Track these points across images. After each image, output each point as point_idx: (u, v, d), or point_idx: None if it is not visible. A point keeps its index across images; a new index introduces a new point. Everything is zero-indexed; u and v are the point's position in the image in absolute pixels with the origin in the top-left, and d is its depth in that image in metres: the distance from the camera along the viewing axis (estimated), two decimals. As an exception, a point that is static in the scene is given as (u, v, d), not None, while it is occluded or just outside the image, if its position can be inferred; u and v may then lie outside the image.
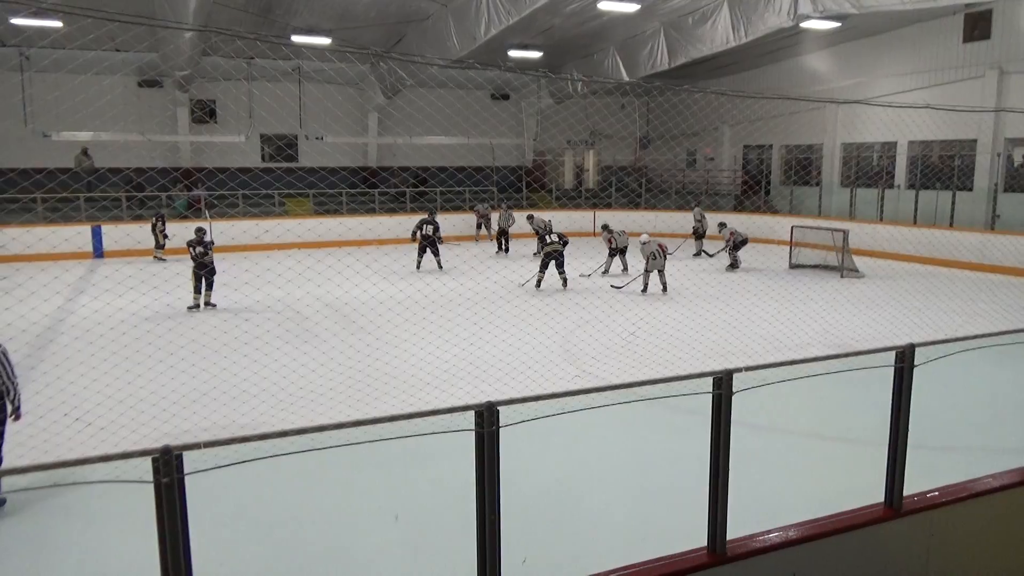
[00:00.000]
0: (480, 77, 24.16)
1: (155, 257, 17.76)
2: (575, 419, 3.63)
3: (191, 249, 12.04)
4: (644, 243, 13.96)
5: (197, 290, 12.02)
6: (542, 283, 14.41)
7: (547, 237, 14.65)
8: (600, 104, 26.53)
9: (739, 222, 21.14)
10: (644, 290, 13.74)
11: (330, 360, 8.94)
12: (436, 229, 16.50)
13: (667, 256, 14.03)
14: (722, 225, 17.41)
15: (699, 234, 19.20)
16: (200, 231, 12.08)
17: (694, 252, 18.77)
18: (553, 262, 14.31)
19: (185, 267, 13.45)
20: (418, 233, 16.32)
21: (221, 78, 21.52)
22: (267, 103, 21.79)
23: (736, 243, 16.71)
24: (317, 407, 7.24)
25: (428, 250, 16.38)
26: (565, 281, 14.42)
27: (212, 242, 12.24)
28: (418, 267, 16.53)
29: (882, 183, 20.55)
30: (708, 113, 24.32)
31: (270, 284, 13.53)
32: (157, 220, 17.81)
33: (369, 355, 9.07)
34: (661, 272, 13.88)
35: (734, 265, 16.73)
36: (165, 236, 17.69)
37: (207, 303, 12.04)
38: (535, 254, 18.87)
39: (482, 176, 25.56)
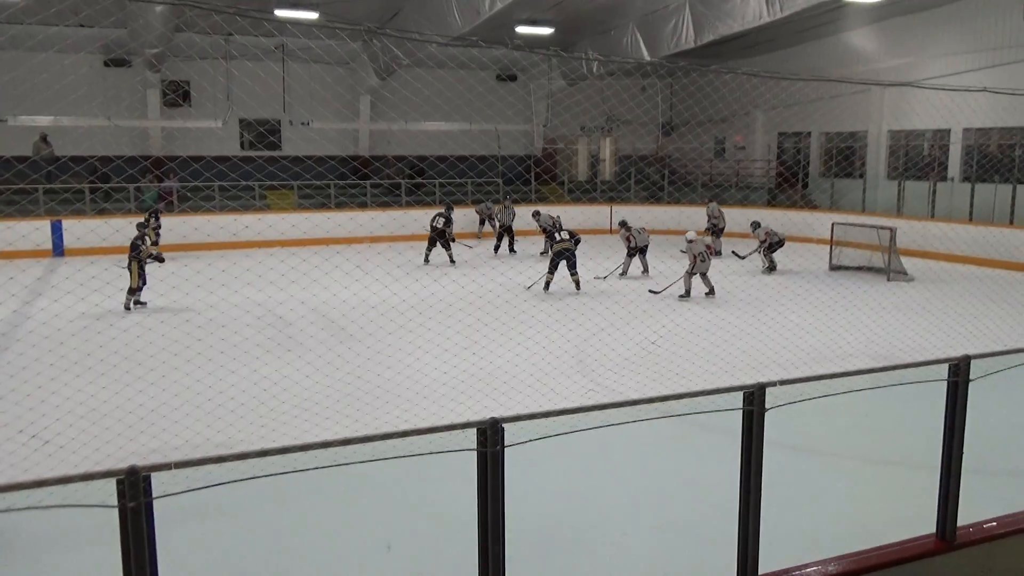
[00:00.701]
0: (484, 56, 24.19)
1: (151, 257, 17.87)
2: (589, 438, 3.62)
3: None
4: (690, 241, 14.04)
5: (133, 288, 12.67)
6: (551, 285, 14.44)
7: (556, 234, 14.66)
8: (618, 86, 26.54)
9: (773, 219, 21.10)
10: (686, 294, 13.78)
11: (316, 371, 8.95)
12: (448, 223, 17.35)
13: (712, 257, 14.17)
14: (755, 224, 17.37)
15: (716, 232, 19.25)
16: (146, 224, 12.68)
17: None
18: (564, 262, 14.32)
19: (178, 266, 13.57)
20: (430, 224, 17.40)
21: (196, 57, 21.60)
22: (247, 85, 21.84)
23: (772, 244, 16.70)
24: (301, 424, 7.25)
25: (438, 243, 17.13)
26: (578, 283, 14.42)
27: (150, 224, 12.87)
28: (425, 260, 17.31)
29: (934, 175, 20.49)
30: (739, 97, 24.27)
31: (250, 286, 13.55)
32: (150, 216, 18.00)
33: (359, 366, 9.08)
34: (705, 275, 13.97)
35: (771, 268, 16.73)
36: (157, 234, 17.91)
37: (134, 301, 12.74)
38: (542, 253, 18.91)
39: (486, 166, 25.58)
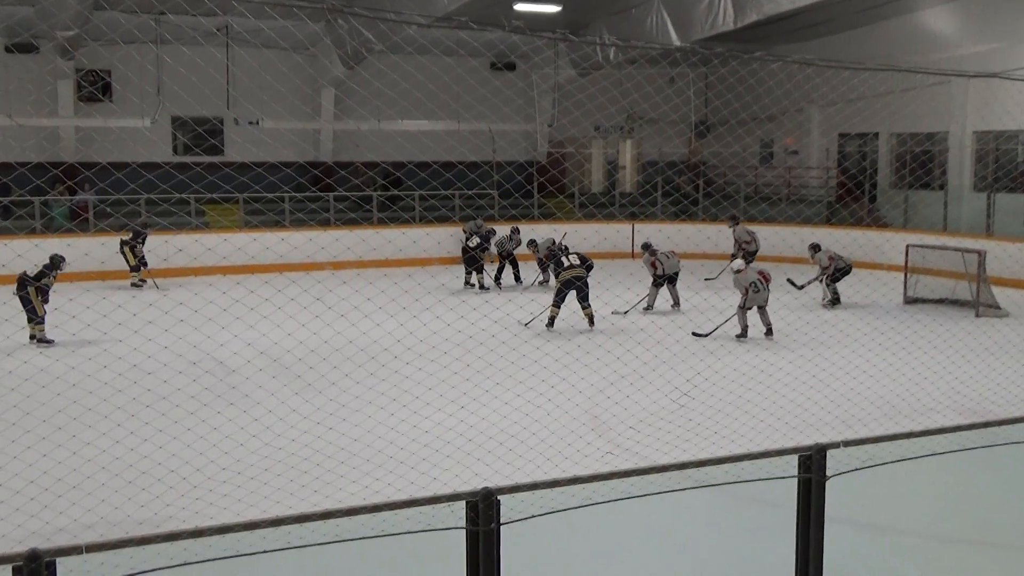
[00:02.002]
0: (476, 40, 24.39)
1: (133, 283, 19.01)
2: (606, 513, 3.60)
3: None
4: (738, 272, 14.18)
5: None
6: (555, 321, 14.51)
7: (564, 259, 14.73)
8: (641, 77, 26.70)
9: (833, 240, 21.10)
10: (743, 334, 13.91)
11: (265, 430, 8.90)
12: (484, 242, 18.92)
13: (768, 288, 14.27)
14: (815, 247, 17.40)
15: (748, 256, 19.34)
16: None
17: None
18: (574, 292, 14.36)
19: (93, 299, 13.58)
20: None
21: (119, 40, 21.74)
22: (182, 75, 21.93)
23: (836, 271, 16.72)
24: (246, 496, 7.19)
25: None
26: (591, 318, 14.44)
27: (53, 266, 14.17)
28: (467, 283, 18.92)
29: (1031, 186, 20.63)
30: (789, 90, 24.44)
31: (183, 323, 13.49)
32: (136, 238, 18.58)
33: (320, 423, 9.03)
34: (763, 309, 14.07)
35: (835, 300, 16.74)
36: (139, 258, 18.96)
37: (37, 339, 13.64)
38: (541, 283, 19.05)
39: (478, 175, 25.70)
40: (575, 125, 27.11)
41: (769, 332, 14.03)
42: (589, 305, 14.49)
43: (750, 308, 14.00)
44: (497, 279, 19.68)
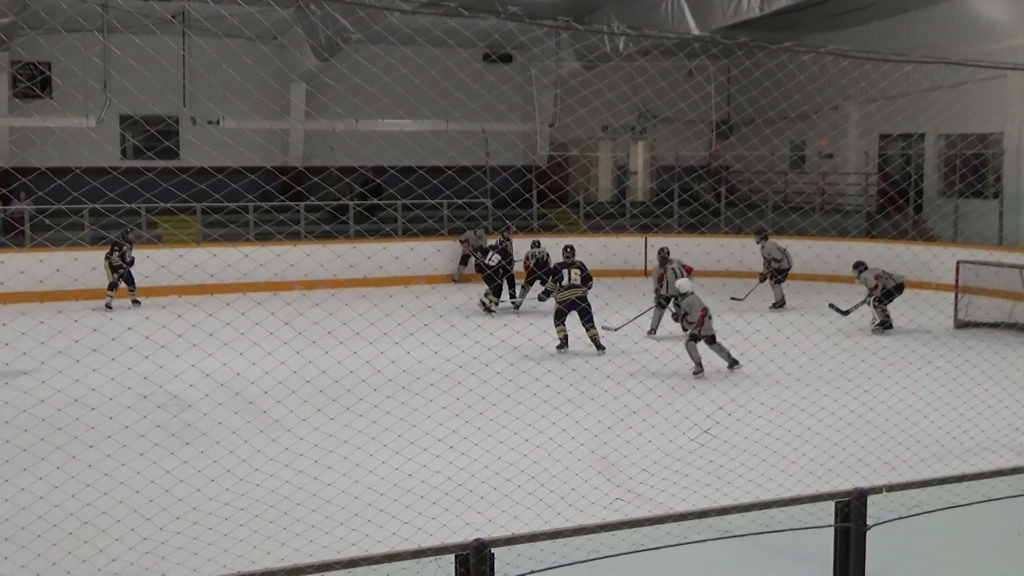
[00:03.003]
0: (468, 29, 24.48)
1: (132, 302, 19.84)
2: (615, 568, 3.59)
3: None
4: (685, 295, 14.35)
5: None
6: (568, 340, 15.08)
7: (565, 276, 14.97)
8: (655, 71, 26.88)
9: (875, 256, 21.15)
10: (699, 370, 13.96)
11: (226, 473, 8.88)
12: (505, 257, 19.13)
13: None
14: (861, 266, 17.50)
15: (780, 276, 19.46)
16: None
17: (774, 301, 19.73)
18: (576, 313, 14.58)
19: (29, 323, 13.57)
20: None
21: (61, 29, 21.80)
22: (132, 68, 22.00)
23: (885, 291, 16.79)
24: (203, 550, 7.17)
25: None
26: (597, 341, 14.67)
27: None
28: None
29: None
30: (823, 85, 24.56)
31: (132, 352, 13.48)
32: (118, 247, 18.91)
33: (289, 465, 9.01)
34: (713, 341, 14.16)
35: (885, 324, 16.87)
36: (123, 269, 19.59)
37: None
38: (541, 297, 19.33)
39: (470, 182, 25.74)
40: (580, 125, 27.16)
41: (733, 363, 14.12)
42: (593, 326, 14.58)
43: (702, 339, 14.03)
44: (512, 295, 19.87)
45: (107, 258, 19.67)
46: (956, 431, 10.33)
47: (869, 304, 17.01)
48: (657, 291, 16.35)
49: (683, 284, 14.56)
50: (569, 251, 16.75)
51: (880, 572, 3.55)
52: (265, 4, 20.92)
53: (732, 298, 19.34)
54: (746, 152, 27.90)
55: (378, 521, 7.80)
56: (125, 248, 19.74)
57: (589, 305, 14.64)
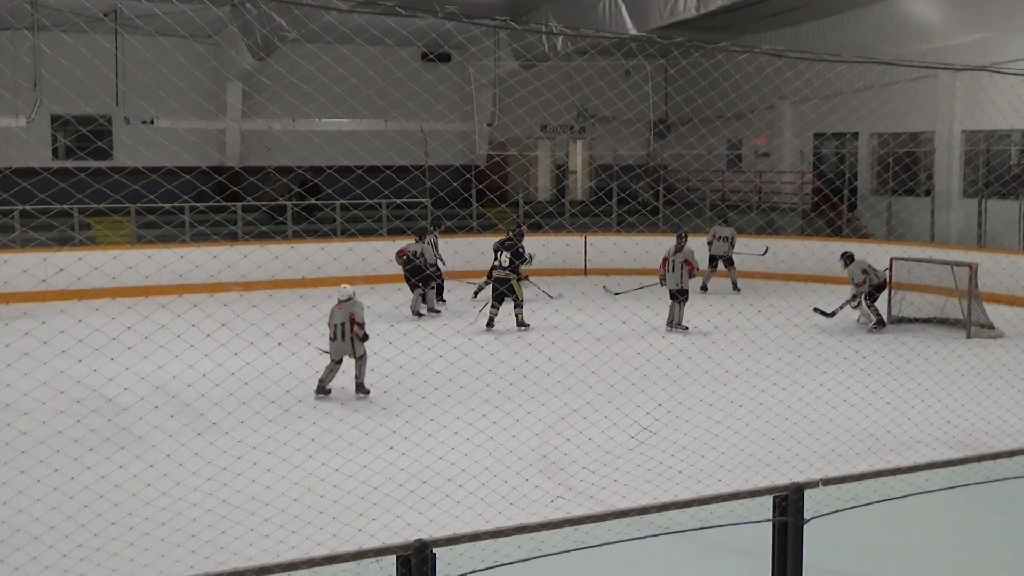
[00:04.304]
0: (405, 28, 24.42)
1: None
2: (557, 566, 3.60)
3: None
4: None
5: None
6: (494, 321, 16.34)
7: (495, 257, 16.42)
8: (592, 71, 26.97)
9: (809, 253, 21.41)
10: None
11: (162, 477, 8.78)
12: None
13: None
14: (848, 258, 17.25)
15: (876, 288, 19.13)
16: None
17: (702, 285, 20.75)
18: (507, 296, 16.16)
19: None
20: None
21: (-11, 27, 21.45)
22: (63, 67, 21.66)
23: (873, 287, 16.87)
24: (140, 555, 7.10)
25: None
26: (519, 319, 16.34)
27: None
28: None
29: (1027, 192, 21.11)
30: (759, 84, 24.75)
31: (65, 355, 13.27)
32: None
33: (226, 468, 8.92)
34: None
35: (881, 322, 17.05)
36: None
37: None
38: (476, 293, 19.63)
39: (408, 181, 25.64)
40: (518, 124, 27.26)
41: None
42: (517, 308, 16.34)
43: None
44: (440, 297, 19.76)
45: None
46: (890, 425, 10.48)
47: (862, 302, 17.03)
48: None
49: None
50: (511, 233, 17.28)
51: (817, 564, 3.59)
52: (200, 2, 20.71)
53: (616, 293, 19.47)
54: (684, 151, 28.08)
55: (318, 523, 7.75)
56: None
57: (509, 289, 15.87)
